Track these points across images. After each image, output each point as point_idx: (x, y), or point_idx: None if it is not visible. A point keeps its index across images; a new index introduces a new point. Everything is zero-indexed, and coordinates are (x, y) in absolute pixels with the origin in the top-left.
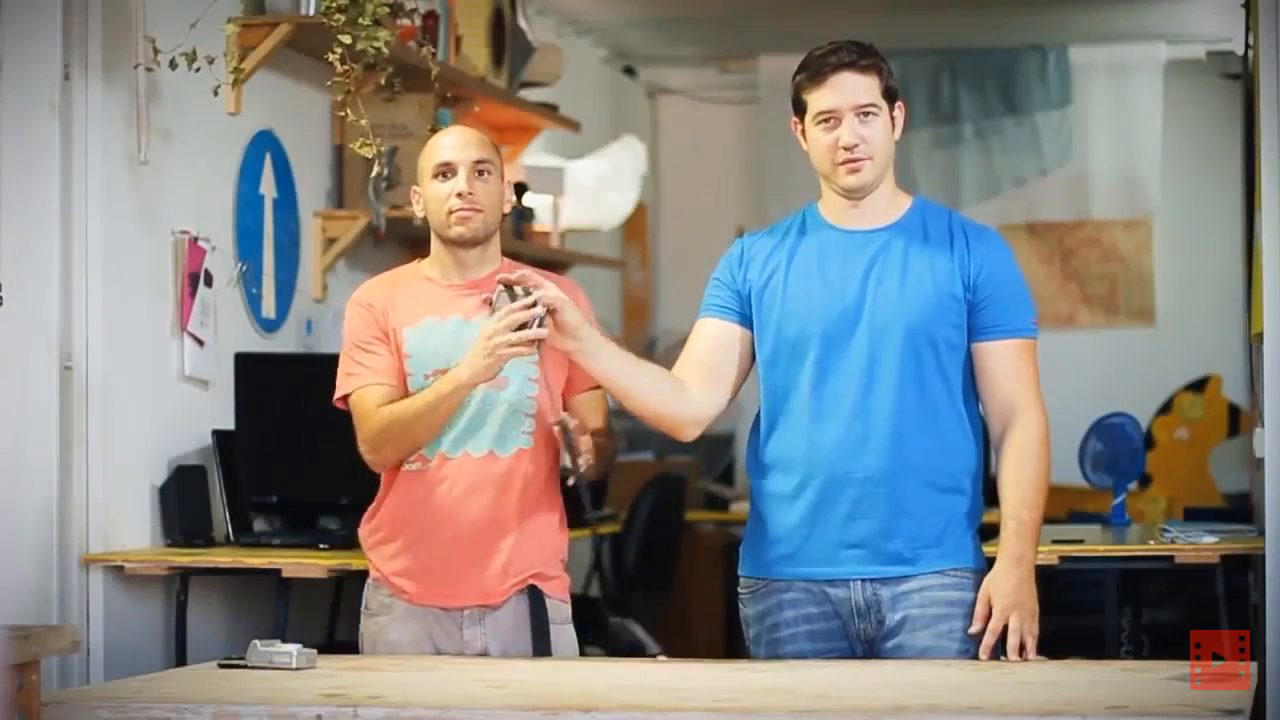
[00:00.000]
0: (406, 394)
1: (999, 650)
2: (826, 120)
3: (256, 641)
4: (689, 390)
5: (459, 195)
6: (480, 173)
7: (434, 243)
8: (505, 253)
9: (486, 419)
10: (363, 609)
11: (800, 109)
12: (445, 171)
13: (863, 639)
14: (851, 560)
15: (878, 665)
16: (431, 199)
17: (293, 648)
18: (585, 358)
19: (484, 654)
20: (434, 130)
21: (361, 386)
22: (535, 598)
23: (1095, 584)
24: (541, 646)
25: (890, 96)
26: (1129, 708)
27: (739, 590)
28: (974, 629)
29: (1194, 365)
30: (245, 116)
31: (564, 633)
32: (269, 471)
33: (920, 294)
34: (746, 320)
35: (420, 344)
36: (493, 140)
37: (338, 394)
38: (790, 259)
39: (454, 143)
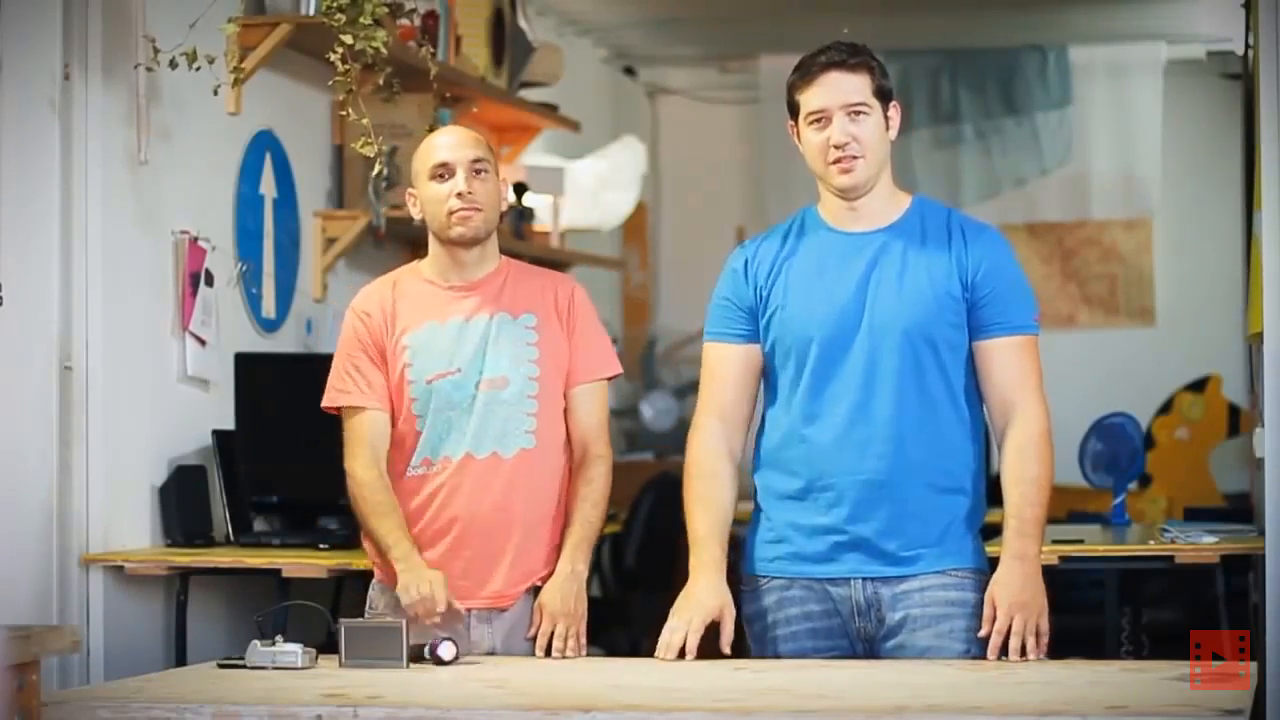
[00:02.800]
0: (395, 411)
1: (1006, 650)
2: (818, 120)
3: (256, 641)
4: (731, 464)
5: (459, 195)
6: (478, 172)
7: (432, 244)
8: (504, 252)
9: (488, 420)
10: (368, 609)
11: (794, 111)
12: (443, 172)
13: (863, 638)
14: (853, 559)
15: (878, 665)
16: (430, 200)
17: (293, 647)
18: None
19: (491, 653)
20: (433, 130)
21: (350, 406)
22: None
23: (1095, 584)
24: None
25: (883, 96)
26: (1129, 708)
27: (741, 588)
28: (983, 632)
29: (1194, 365)
30: (245, 116)
31: None
32: (269, 471)
33: (918, 295)
34: (757, 336)
35: (422, 348)
36: (486, 139)
37: (326, 402)
38: (792, 262)
39: (450, 143)
